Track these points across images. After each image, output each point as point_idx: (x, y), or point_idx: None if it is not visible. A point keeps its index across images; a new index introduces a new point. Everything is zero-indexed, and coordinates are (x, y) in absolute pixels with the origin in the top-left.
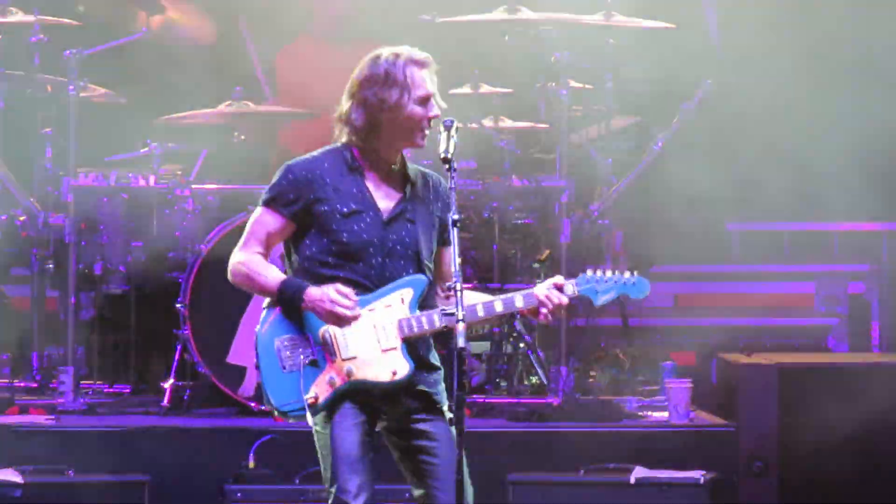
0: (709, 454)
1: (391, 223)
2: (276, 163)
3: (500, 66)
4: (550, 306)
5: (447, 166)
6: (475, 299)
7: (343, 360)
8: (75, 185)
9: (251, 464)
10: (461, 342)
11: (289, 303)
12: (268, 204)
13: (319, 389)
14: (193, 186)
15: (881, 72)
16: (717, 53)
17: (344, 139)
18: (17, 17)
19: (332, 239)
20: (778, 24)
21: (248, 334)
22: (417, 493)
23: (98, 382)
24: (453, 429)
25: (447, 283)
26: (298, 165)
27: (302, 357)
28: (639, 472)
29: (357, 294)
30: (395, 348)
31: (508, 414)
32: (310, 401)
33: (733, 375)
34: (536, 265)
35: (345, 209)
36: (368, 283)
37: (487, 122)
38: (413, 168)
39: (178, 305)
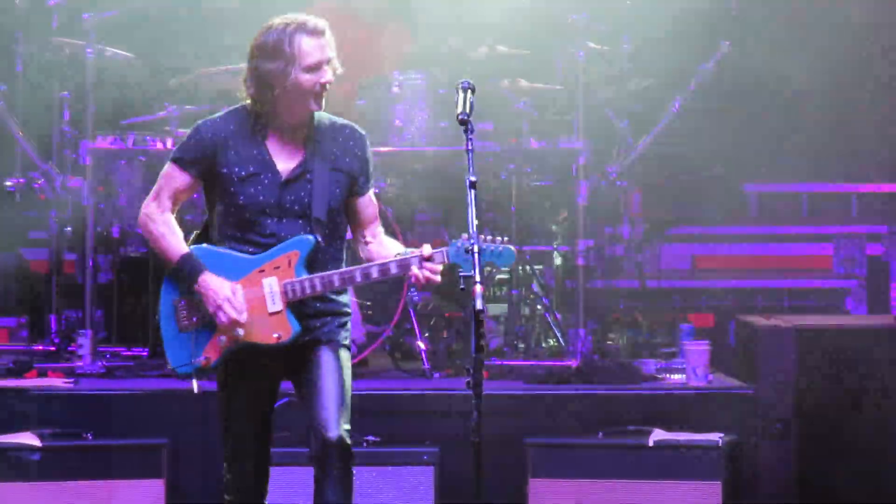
0: (727, 416)
1: (289, 184)
2: None
3: (518, 27)
4: (421, 278)
5: (464, 128)
6: (385, 254)
7: (233, 322)
8: (93, 148)
9: None
10: (479, 304)
11: (184, 280)
12: (176, 161)
13: (211, 351)
14: None
15: None
16: (734, 14)
17: (248, 101)
18: None
19: (230, 201)
20: None
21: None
22: (308, 418)
23: (116, 346)
24: (337, 354)
25: (365, 232)
26: (205, 126)
27: (195, 318)
28: (657, 435)
29: (250, 254)
30: (280, 311)
31: (526, 376)
32: (201, 363)
33: (751, 337)
34: (554, 227)
35: (242, 172)
36: (263, 244)
37: (504, 84)
38: (325, 122)
39: None
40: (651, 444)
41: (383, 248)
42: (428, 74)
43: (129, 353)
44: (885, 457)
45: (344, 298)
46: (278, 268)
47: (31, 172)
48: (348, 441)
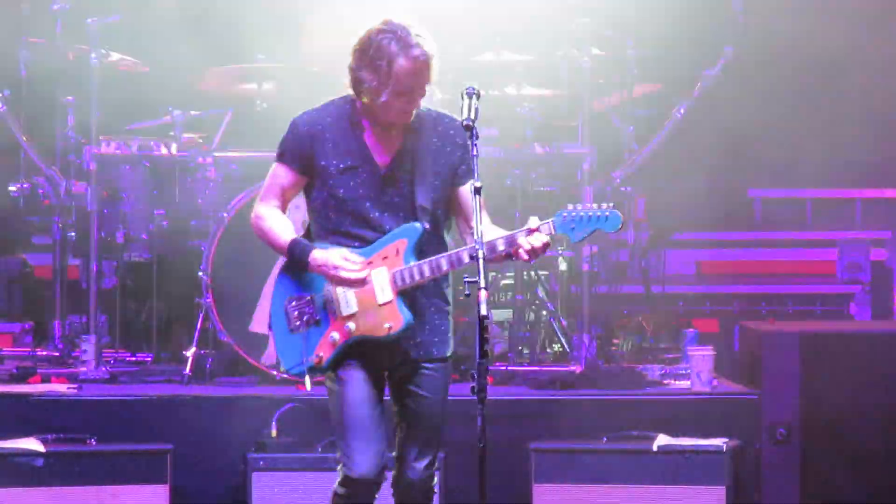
0: (731, 422)
1: (389, 175)
2: None
3: (523, 33)
4: (527, 248)
5: (469, 133)
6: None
7: (343, 317)
8: (97, 154)
9: (273, 432)
10: (483, 310)
11: (296, 263)
12: (279, 159)
13: (323, 349)
14: (216, 154)
15: None
16: (739, 19)
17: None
18: None
19: (331, 193)
20: None
21: (270, 303)
22: (398, 433)
23: (120, 351)
24: (442, 380)
25: (470, 221)
26: (302, 120)
27: (306, 318)
28: (661, 440)
29: (357, 248)
30: (390, 301)
31: (531, 382)
32: (314, 361)
33: (756, 343)
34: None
35: (341, 165)
36: (368, 237)
37: (510, 90)
38: (424, 113)
39: (200, 274)
40: (655, 449)
41: (488, 234)
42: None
43: (133, 358)
44: (888, 462)
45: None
46: (386, 258)
47: (35, 177)
48: (432, 482)
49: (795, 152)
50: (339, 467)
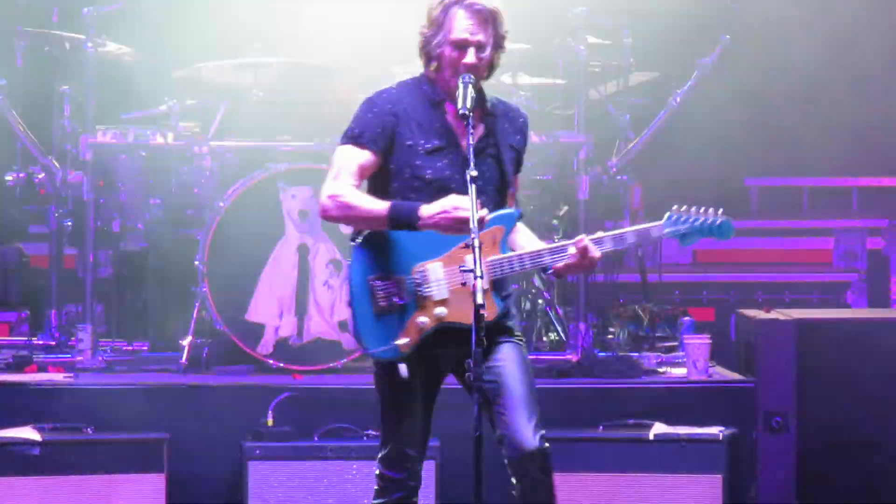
0: (728, 410)
1: (474, 158)
2: (297, 119)
3: (518, 21)
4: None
5: (465, 122)
6: (531, 244)
7: (435, 302)
8: (93, 143)
9: (270, 421)
10: (479, 299)
11: (404, 225)
12: (355, 139)
13: (411, 333)
14: (212, 143)
15: None
16: (735, 8)
17: (423, 71)
18: None
19: (415, 174)
20: None
21: (266, 291)
22: (491, 416)
23: (116, 340)
24: (520, 348)
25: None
26: (381, 99)
27: (395, 299)
28: (658, 429)
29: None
30: (486, 290)
31: None
32: (402, 347)
33: (752, 331)
34: (555, 221)
35: (428, 145)
36: None
37: (505, 79)
38: (495, 100)
39: (196, 263)
40: (652, 437)
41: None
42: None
43: (129, 347)
44: (884, 451)
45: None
46: (483, 244)
47: (31, 167)
48: (548, 449)
49: (792, 141)
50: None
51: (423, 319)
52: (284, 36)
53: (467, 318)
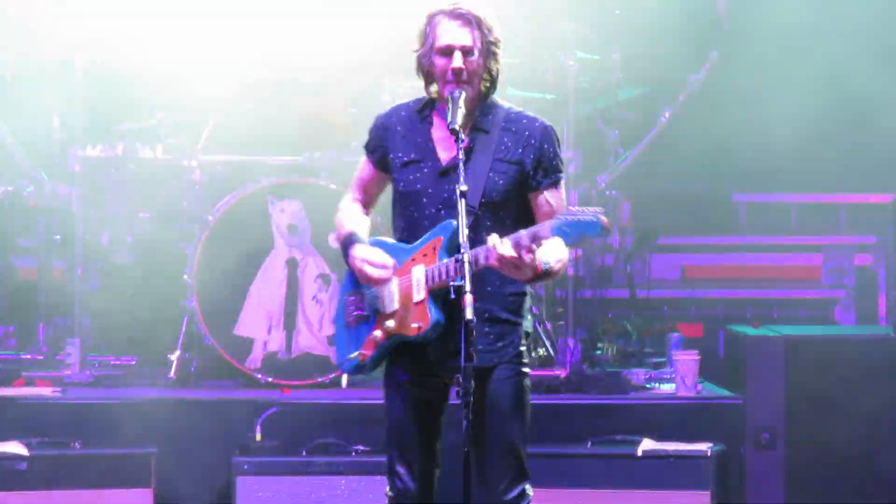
0: (716, 426)
1: (449, 173)
2: (287, 133)
3: (508, 36)
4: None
5: (455, 137)
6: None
7: (386, 315)
8: (82, 156)
9: (258, 436)
10: (469, 314)
11: (344, 258)
12: (365, 148)
13: (368, 347)
14: (201, 157)
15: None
16: (723, 24)
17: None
18: None
19: (395, 188)
20: None
21: (255, 306)
22: (478, 470)
23: (104, 354)
24: (514, 388)
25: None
26: (380, 115)
27: (357, 313)
28: (646, 445)
29: (407, 245)
30: (422, 300)
31: None
32: (359, 358)
33: (740, 347)
34: None
35: (404, 158)
36: (422, 234)
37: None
38: (500, 112)
39: (184, 276)
40: (640, 453)
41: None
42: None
43: (117, 361)
44: (872, 467)
45: (522, 316)
46: (426, 255)
47: (19, 179)
48: None
49: (780, 157)
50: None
51: (377, 332)
52: (274, 51)
53: (407, 329)
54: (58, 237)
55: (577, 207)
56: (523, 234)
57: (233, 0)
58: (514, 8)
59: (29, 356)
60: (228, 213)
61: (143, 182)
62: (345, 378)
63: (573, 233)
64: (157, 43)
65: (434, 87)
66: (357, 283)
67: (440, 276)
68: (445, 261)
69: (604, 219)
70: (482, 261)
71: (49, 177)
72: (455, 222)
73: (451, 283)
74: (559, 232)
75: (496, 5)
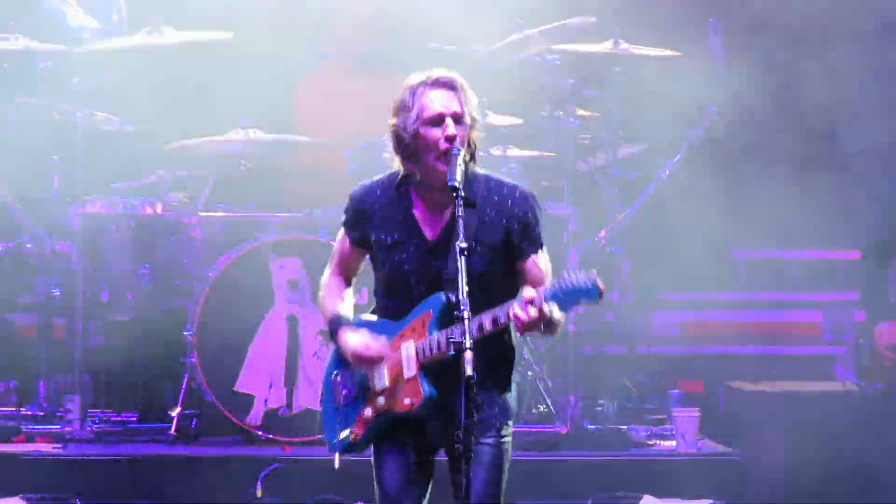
0: (717, 482)
1: (436, 250)
2: (286, 191)
3: (508, 95)
4: (524, 318)
5: (455, 195)
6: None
7: (376, 393)
8: (82, 213)
9: (259, 492)
10: (468, 371)
11: (333, 340)
12: (343, 227)
13: (359, 426)
14: (201, 214)
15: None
16: (722, 81)
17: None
18: (23, 43)
19: (381, 270)
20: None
21: (255, 363)
22: None
23: (105, 410)
24: (493, 453)
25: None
26: (356, 193)
27: (345, 392)
28: (647, 501)
29: (393, 322)
30: (413, 376)
31: (516, 442)
32: (350, 437)
33: (740, 404)
34: None
35: (389, 240)
36: (409, 311)
37: (495, 151)
38: (482, 183)
39: (185, 333)
40: None
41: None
42: None
43: (118, 417)
44: None
45: (510, 376)
46: (414, 330)
47: (20, 236)
48: None
49: (780, 213)
50: None
51: (367, 411)
52: (274, 109)
53: (398, 405)
54: (58, 293)
55: (570, 272)
56: (520, 300)
57: (233, 62)
58: (513, 67)
59: (29, 412)
60: (228, 270)
61: (143, 239)
62: (337, 457)
63: (568, 299)
64: (159, 100)
65: (412, 163)
66: (342, 362)
67: (431, 349)
68: (434, 335)
69: (600, 283)
70: (488, 326)
71: (49, 233)
72: (444, 296)
73: (451, 340)
74: (554, 298)
75: (496, 64)
